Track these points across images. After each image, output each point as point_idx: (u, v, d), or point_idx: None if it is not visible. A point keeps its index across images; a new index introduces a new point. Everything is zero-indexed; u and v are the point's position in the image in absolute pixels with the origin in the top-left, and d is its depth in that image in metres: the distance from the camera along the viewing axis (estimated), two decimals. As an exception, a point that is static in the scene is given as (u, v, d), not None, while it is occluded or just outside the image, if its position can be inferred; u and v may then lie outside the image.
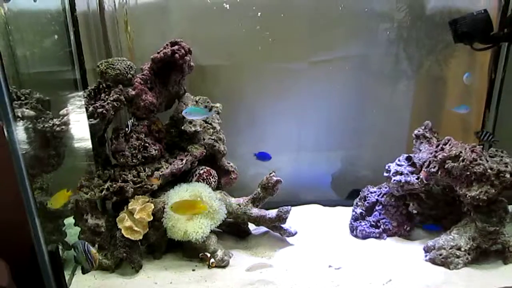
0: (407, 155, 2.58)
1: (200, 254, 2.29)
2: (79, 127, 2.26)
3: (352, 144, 3.07)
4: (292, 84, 2.87)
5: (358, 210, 2.64)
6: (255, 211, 2.44)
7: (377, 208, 2.62)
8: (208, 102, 2.68)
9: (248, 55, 2.79)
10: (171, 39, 2.44)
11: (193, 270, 2.28)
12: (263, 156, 2.53)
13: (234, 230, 2.60)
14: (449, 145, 2.35)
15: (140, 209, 2.23)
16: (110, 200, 2.31)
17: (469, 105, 2.68)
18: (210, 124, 2.62)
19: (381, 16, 2.79)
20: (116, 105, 2.26)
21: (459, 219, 2.40)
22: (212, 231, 2.32)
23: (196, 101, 2.63)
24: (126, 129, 2.31)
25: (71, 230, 2.42)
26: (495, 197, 2.16)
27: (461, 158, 2.21)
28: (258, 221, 2.47)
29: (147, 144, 2.36)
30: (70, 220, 2.40)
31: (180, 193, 2.33)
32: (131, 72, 2.36)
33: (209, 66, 2.77)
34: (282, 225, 2.46)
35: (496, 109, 2.88)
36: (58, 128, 2.14)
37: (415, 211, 2.65)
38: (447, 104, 2.95)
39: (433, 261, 2.25)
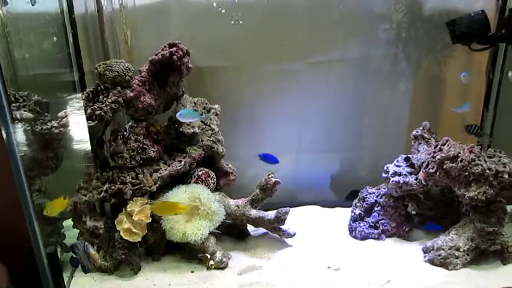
0: (405, 155, 2.58)
1: (200, 255, 2.29)
2: (77, 129, 2.26)
3: (351, 145, 3.07)
4: (291, 85, 2.88)
5: (357, 211, 2.64)
6: (253, 213, 2.44)
7: (376, 209, 2.62)
8: (206, 103, 2.68)
9: (246, 56, 2.79)
10: (169, 41, 2.44)
11: (192, 271, 2.28)
12: (268, 158, 2.53)
13: (233, 231, 2.59)
14: (448, 145, 2.35)
15: (138, 211, 2.23)
16: (109, 202, 2.31)
17: (457, 110, 2.70)
18: (209, 125, 2.61)
19: (380, 16, 2.79)
20: (114, 107, 2.26)
21: (457, 220, 2.40)
22: (211, 233, 2.32)
23: (195, 103, 2.63)
24: (125, 133, 2.31)
25: (70, 232, 2.42)
26: (493, 198, 2.16)
27: (459, 159, 2.22)
28: (257, 222, 2.47)
29: (145, 146, 2.36)
30: (68, 222, 2.40)
31: (179, 194, 2.33)
32: (129, 74, 2.36)
33: (207, 68, 2.77)
34: (281, 227, 2.46)
35: (495, 109, 2.89)
36: (56, 130, 2.14)
37: (413, 212, 2.65)
38: (446, 105, 2.95)
39: (432, 261, 2.25)
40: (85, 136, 2.27)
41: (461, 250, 2.21)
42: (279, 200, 2.58)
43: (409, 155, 2.56)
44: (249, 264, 2.30)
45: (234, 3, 2.64)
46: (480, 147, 2.31)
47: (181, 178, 2.50)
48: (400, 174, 2.48)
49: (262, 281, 2.16)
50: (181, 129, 2.49)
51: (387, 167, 2.56)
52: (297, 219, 2.74)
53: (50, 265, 1.77)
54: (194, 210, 2.30)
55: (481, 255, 2.26)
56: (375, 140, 3.03)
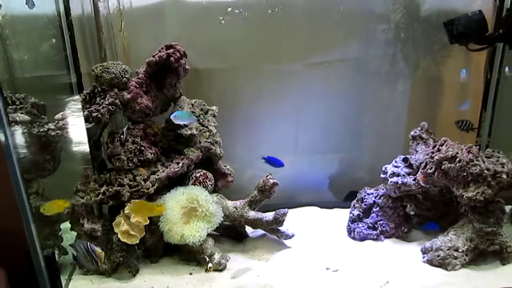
0: (403, 156, 2.58)
1: (202, 257, 2.29)
2: (75, 131, 2.25)
3: (349, 146, 3.07)
4: (289, 86, 2.87)
5: (356, 212, 2.64)
6: (252, 214, 2.44)
7: (374, 209, 2.62)
8: (204, 105, 2.68)
9: (244, 57, 2.79)
10: (166, 43, 2.43)
11: (190, 273, 2.27)
12: (272, 161, 2.52)
13: (231, 233, 2.59)
14: (446, 146, 2.35)
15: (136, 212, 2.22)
16: (106, 204, 2.30)
17: (460, 108, 2.70)
18: (206, 127, 2.61)
19: (378, 17, 2.79)
20: (111, 109, 2.25)
21: (456, 220, 2.39)
22: (209, 234, 2.32)
23: (192, 104, 2.63)
24: (122, 136, 2.31)
25: (68, 234, 2.41)
26: (492, 198, 2.16)
27: (457, 159, 2.21)
28: (255, 224, 2.46)
29: (143, 148, 2.36)
30: (66, 225, 2.39)
31: (177, 196, 2.33)
32: (126, 76, 2.35)
33: (204, 69, 2.77)
34: (279, 228, 2.45)
35: (493, 109, 2.89)
36: (53, 133, 2.14)
37: (412, 213, 2.65)
38: (444, 105, 2.95)
39: (430, 262, 2.25)
40: (83, 138, 2.26)
41: (460, 250, 2.20)
42: (278, 201, 2.58)
43: (407, 156, 2.56)
44: (247, 266, 2.30)
45: (232, 4, 2.64)
46: (478, 147, 2.31)
47: (179, 180, 2.50)
48: (398, 175, 2.48)
49: (261, 282, 2.15)
50: (178, 131, 2.48)
51: (385, 168, 2.56)
52: (296, 220, 2.73)
53: (47, 268, 1.76)
54: (192, 212, 2.30)
55: (480, 255, 2.25)
56: (374, 140, 3.03)
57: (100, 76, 2.30)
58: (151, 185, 2.32)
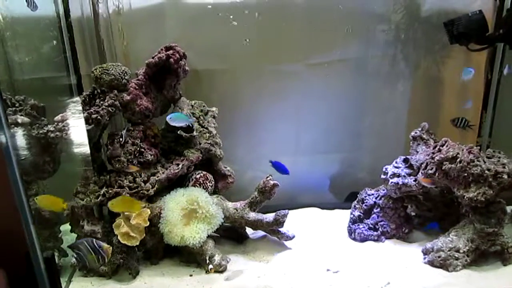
0: (404, 157, 2.57)
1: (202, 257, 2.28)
2: (75, 132, 2.25)
3: (350, 146, 3.07)
4: (289, 86, 2.87)
5: (356, 213, 2.63)
6: (252, 215, 2.43)
7: (375, 210, 2.61)
8: (204, 106, 2.67)
9: (244, 58, 2.78)
10: (165, 44, 2.43)
11: (191, 275, 2.26)
12: (279, 167, 2.52)
13: (231, 234, 2.58)
14: (446, 146, 2.34)
15: (136, 214, 2.22)
16: (106, 206, 2.29)
17: (462, 108, 2.69)
18: (206, 128, 2.60)
19: (378, 17, 2.79)
20: (110, 110, 2.25)
21: (457, 221, 2.38)
22: (209, 236, 2.31)
23: (192, 106, 2.63)
24: (121, 139, 2.30)
25: (68, 236, 2.41)
26: (493, 198, 2.15)
27: (458, 160, 2.20)
28: (255, 225, 2.45)
29: (142, 149, 2.35)
30: (66, 227, 2.39)
31: (177, 198, 2.32)
32: (125, 77, 2.35)
33: (204, 70, 2.76)
34: (280, 229, 2.45)
35: (493, 110, 2.88)
36: (52, 135, 2.13)
37: (413, 213, 2.64)
38: (445, 105, 2.95)
39: (431, 263, 2.24)
40: (83, 139, 2.26)
41: (461, 251, 2.19)
42: (278, 202, 2.57)
43: (408, 156, 2.55)
44: (248, 267, 2.30)
45: (232, 5, 2.64)
46: (479, 147, 2.30)
47: (179, 181, 2.49)
48: (399, 176, 2.47)
49: (261, 284, 2.15)
50: (178, 132, 2.48)
51: (386, 169, 2.55)
52: (296, 221, 2.73)
53: (47, 270, 1.75)
54: (192, 213, 2.29)
55: (481, 256, 2.24)
56: (374, 141, 3.03)
57: (100, 78, 2.30)
58: (151, 186, 2.31)
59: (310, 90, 2.88)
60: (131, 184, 2.28)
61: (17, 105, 2.18)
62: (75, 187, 2.30)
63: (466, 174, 2.17)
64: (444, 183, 2.31)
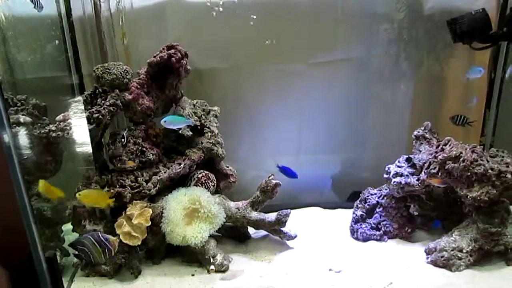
0: (407, 156, 2.57)
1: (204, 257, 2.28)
2: (77, 132, 2.25)
3: (352, 146, 3.06)
4: (291, 86, 2.87)
5: (359, 212, 2.62)
6: (254, 215, 2.43)
7: (377, 210, 2.60)
8: (205, 105, 2.67)
9: (246, 57, 2.78)
10: (167, 43, 2.43)
11: (193, 275, 2.26)
12: (286, 171, 2.52)
13: (233, 234, 2.58)
14: (449, 145, 2.33)
15: (138, 214, 2.22)
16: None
17: (469, 106, 2.67)
18: (208, 127, 2.60)
19: (381, 16, 2.78)
20: (112, 110, 2.25)
21: (460, 220, 2.37)
22: (211, 236, 2.31)
23: (194, 105, 2.62)
24: (122, 140, 2.30)
25: (70, 236, 2.40)
26: (496, 198, 2.14)
27: (461, 159, 2.19)
28: (257, 224, 2.45)
29: (144, 149, 2.35)
30: (68, 226, 2.39)
31: (179, 197, 2.32)
32: (127, 77, 2.35)
33: (206, 69, 2.76)
34: (282, 229, 2.44)
35: (497, 109, 2.86)
36: (54, 134, 2.13)
37: (416, 213, 2.62)
38: (447, 104, 2.93)
39: (434, 263, 2.23)
40: (85, 139, 2.26)
41: (464, 251, 2.18)
42: (280, 202, 2.56)
43: (410, 156, 2.54)
44: (250, 267, 2.29)
45: (234, 3, 2.63)
46: (482, 146, 2.29)
47: (181, 181, 2.49)
48: (401, 175, 2.46)
49: (263, 284, 2.14)
50: (180, 131, 2.47)
51: (389, 168, 2.54)
52: (298, 221, 2.72)
53: (49, 269, 1.75)
54: (194, 213, 2.29)
55: (485, 256, 2.23)
56: (377, 140, 3.02)
57: (101, 77, 2.30)
58: (152, 186, 2.31)
59: (313, 89, 2.87)
60: (133, 184, 2.28)
61: (19, 104, 2.18)
62: (76, 187, 2.29)
63: (469, 174, 2.16)
64: (447, 183, 2.30)
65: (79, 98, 2.34)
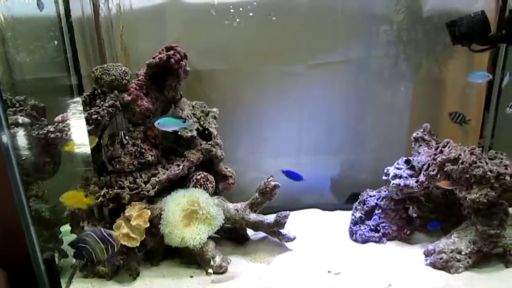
0: (406, 158, 2.56)
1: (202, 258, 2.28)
2: (75, 133, 2.24)
3: (351, 148, 3.05)
4: (291, 87, 2.86)
5: (358, 214, 2.62)
6: (253, 217, 2.42)
7: (376, 212, 2.60)
8: (204, 106, 2.66)
9: (245, 58, 2.78)
10: (166, 44, 2.43)
11: (191, 276, 2.26)
12: (292, 175, 2.52)
13: (232, 235, 2.57)
14: (448, 147, 2.33)
15: (136, 215, 2.21)
16: (107, 207, 2.29)
17: (468, 108, 2.67)
18: (207, 129, 2.59)
19: (380, 18, 2.78)
20: (111, 111, 2.25)
21: (459, 222, 2.37)
22: (210, 237, 2.30)
23: (193, 106, 2.62)
24: (124, 140, 2.30)
25: (68, 237, 2.40)
26: (495, 200, 2.14)
27: (460, 161, 2.19)
28: (256, 226, 2.45)
29: (143, 150, 2.34)
30: (66, 228, 2.38)
31: (177, 199, 2.31)
32: (126, 78, 2.35)
33: (205, 71, 2.76)
34: (281, 230, 2.44)
35: (496, 111, 2.86)
36: (52, 135, 2.13)
37: (415, 215, 2.62)
38: (446, 106, 2.93)
39: (433, 265, 2.23)
40: (83, 140, 2.25)
41: (463, 253, 2.18)
42: (279, 203, 2.56)
43: (409, 158, 2.54)
44: (248, 268, 2.29)
45: (233, 5, 2.63)
46: (481, 148, 2.29)
47: (180, 182, 2.49)
48: (400, 177, 2.46)
49: (262, 285, 2.14)
50: (179, 133, 2.47)
51: (388, 170, 2.54)
52: (297, 222, 2.72)
53: (47, 271, 1.75)
54: (193, 214, 2.29)
55: (483, 258, 2.23)
56: (376, 142, 3.02)
57: (100, 78, 2.30)
58: (151, 187, 2.31)
59: (312, 90, 2.87)
60: (131, 185, 2.28)
61: (17, 105, 2.18)
62: (75, 188, 2.28)
63: (468, 176, 2.16)
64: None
65: (78, 99, 2.34)
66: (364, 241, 2.53)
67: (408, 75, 2.91)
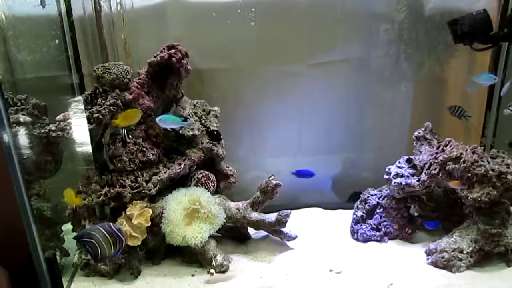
0: (407, 157, 2.56)
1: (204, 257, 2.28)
2: (77, 132, 2.24)
3: (353, 146, 3.05)
4: (291, 86, 2.86)
5: (359, 213, 2.62)
6: (254, 215, 2.42)
7: (378, 210, 2.60)
8: (206, 105, 2.66)
9: (246, 58, 2.77)
10: (167, 43, 2.42)
11: (193, 275, 2.26)
12: (302, 173, 2.52)
13: (233, 234, 2.57)
14: (450, 146, 2.33)
15: (138, 214, 2.21)
16: (108, 206, 2.29)
17: (470, 107, 2.66)
18: (208, 128, 2.59)
19: (381, 17, 2.77)
20: (112, 109, 2.25)
21: (461, 221, 2.37)
22: (211, 236, 2.30)
23: (194, 105, 2.62)
24: (127, 139, 2.30)
25: (69, 236, 2.40)
26: (497, 199, 2.13)
27: (462, 160, 2.19)
28: (257, 225, 2.45)
29: (144, 149, 2.34)
30: (68, 226, 2.39)
31: (179, 197, 2.31)
32: (127, 77, 2.35)
33: (206, 69, 2.76)
34: (282, 229, 2.44)
35: (497, 110, 2.86)
36: (54, 134, 2.13)
37: (416, 214, 2.63)
38: (448, 105, 2.93)
39: (435, 264, 2.23)
40: (85, 139, 2.26)
41: (465, 252, 2.18)
42: (280, 202, 2.56)
43: (411, 156, 2.54)
44: (250, 267, 2.29)
45: (234, 4, 2.63)
46: (483, 147, 2.29)
47: (181, 181, 2.49)
48: (402, 176, 2.46)
49: (263, 284, 2.14)
50: (180, 132, 2.47)
51: (389, 169, 2.54)
52: (299, 221, 2.72)
53: (48, 270, 1.75)
54: (194, 213, 2.29)
55: (485, 257, 2.23)
56: (377, 141, 3.01)
57: (102, 77, 2.30)
58: (152, 186, 2.31)
59: (312, 90, 2.87)
60: (133, 184, 2.28)
61: (19, 104, 2.18)
62: (77, 187, 2.29)
63: (470, 175, 2.16)
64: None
65: (79, 97, 2.34)
66: (366, 240, 2.53)
67: (409, 74, 2.90)
